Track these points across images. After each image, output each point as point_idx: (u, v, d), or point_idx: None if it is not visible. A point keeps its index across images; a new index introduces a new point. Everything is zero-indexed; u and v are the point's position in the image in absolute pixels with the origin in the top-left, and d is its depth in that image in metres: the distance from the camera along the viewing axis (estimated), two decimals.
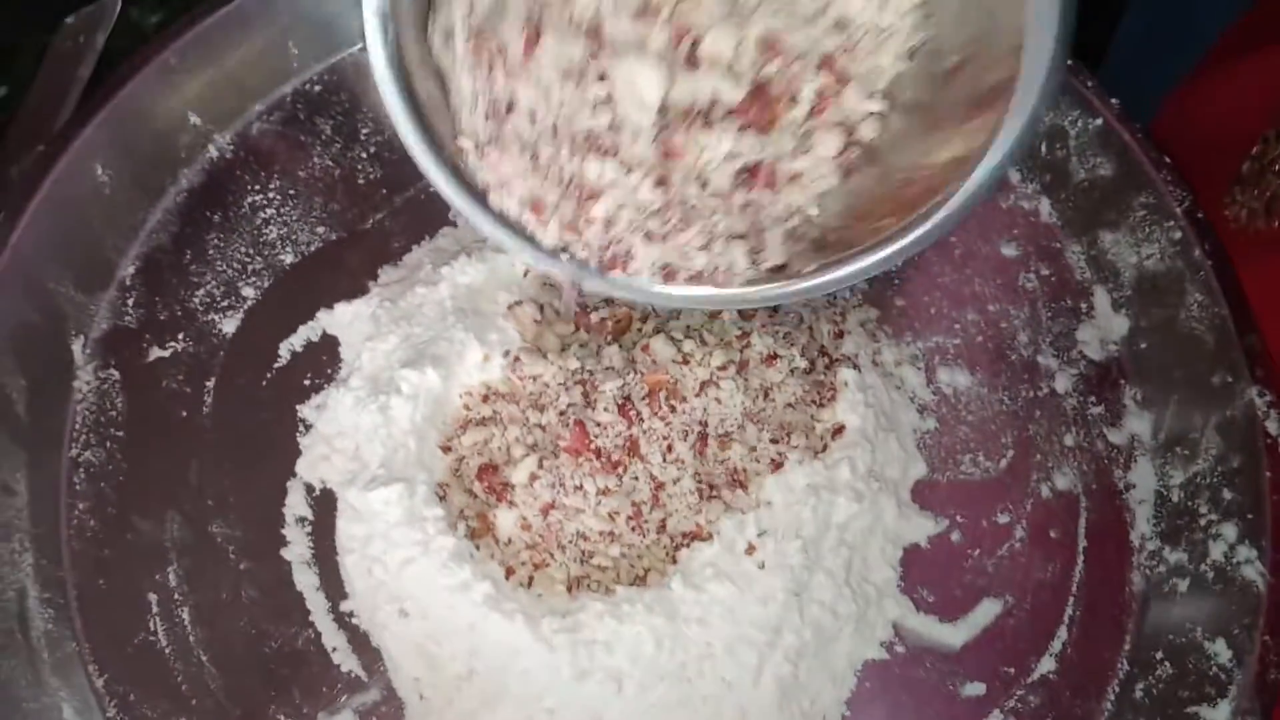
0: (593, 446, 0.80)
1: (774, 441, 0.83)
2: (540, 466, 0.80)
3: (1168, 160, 0.94)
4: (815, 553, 0.82)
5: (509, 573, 0.80)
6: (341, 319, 0.92)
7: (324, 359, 0.92)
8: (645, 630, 0.79)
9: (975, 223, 0.99)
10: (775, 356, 0.86)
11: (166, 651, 0.83)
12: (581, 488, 0.80)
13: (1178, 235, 0.92)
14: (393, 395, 0.84)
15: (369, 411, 0.84)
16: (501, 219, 0.69)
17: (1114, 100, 0.95)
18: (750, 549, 0.81)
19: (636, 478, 0.81)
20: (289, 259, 0.95)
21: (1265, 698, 0.79)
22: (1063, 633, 0.86)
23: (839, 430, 0.85)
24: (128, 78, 0.93)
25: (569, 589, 0.80)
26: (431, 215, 0.97)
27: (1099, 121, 0.96)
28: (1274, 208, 0.85)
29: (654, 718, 0.80)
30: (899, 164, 0.66)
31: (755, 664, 0.80)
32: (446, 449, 0.83)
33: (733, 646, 0.80)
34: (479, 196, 0.69)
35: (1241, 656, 0.81)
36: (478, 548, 0.81)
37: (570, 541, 0.80)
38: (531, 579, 0.81)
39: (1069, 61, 0.94)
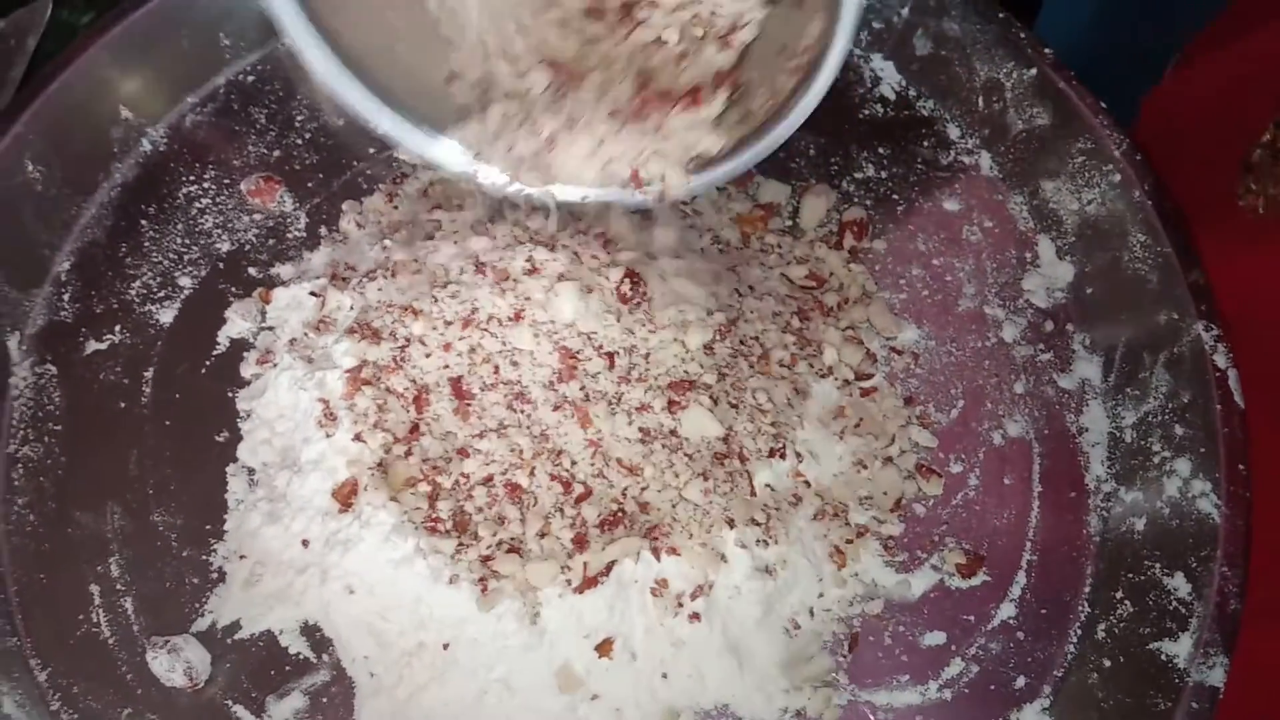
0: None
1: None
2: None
3: (1104, 105, 0.93)
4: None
5: (459, 548, 0.79)
6: (279, 303, 0.91)
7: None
8: (595, 595, 0.78)
9: (916, 180, 0.99)
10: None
11: (110, 643, 0.81)
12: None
13: (1117, 178, 0.92)
14: (328, 371, 0.83)
15: (306, 390, 0.83)
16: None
17: (1047, 50, 0.95)
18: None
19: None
20: (225, 247, 0.94)
21: (1226, 628, 0.78)
22: (1021, 578, 0.85)
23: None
24: (57, 73, 0.92)
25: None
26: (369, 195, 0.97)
27: (1033, 72, 0.96)
28: None
29: (609, 679, 0.78)
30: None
31: (706, 628, 0.79)
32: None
33: (684, 605, 0.78)
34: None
35: (1201, 589, 0.80)
36: (427, 524, 0.79)
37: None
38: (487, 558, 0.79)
39: (1001, 14, 0.96)
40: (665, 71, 0.74)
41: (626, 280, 0.80)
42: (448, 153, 0.75)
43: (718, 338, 0.82)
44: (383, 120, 0.73)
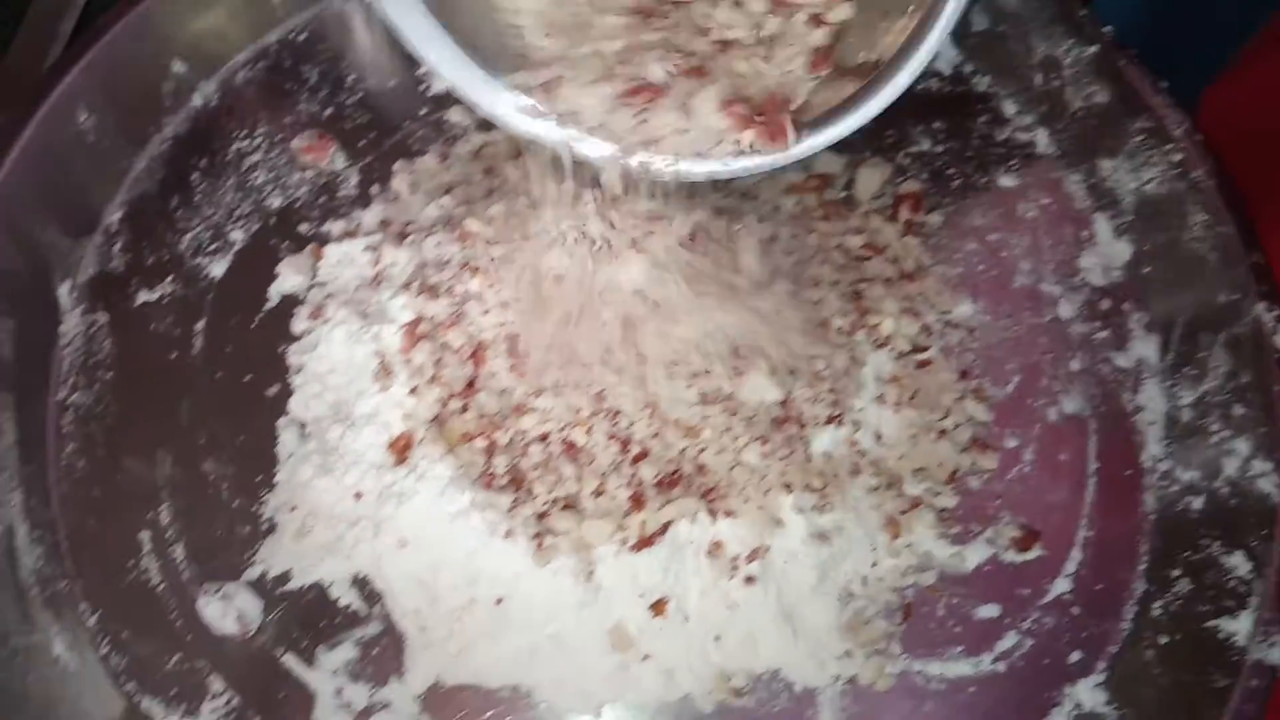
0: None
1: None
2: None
3: (1165, 85, 0.93)
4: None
5: (515, 504, 0.78)
6: (331, 259, 0.90)
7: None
8: (650, 555, 0.77)
9: (972, 155, 0.98)
10: None
11: (160, 589, 0.81)
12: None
13: (1178, 158, 0.91)
14: (384, 325, 0.82)
15: (361, 344, 0.83)
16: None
17: (1107, 28, 0.94)
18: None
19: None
20: (276, 203, 0.93)
21: None
22: (1076, 554, 0.84)
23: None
24: (109, 26, 0.92)
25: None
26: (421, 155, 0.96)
27: (1093, 49, 0.95)
28: None
29: (662, 640, 0.77)
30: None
31: (761, 592, 0.78)
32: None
33: (740, 568, 0.78)
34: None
35: (1261, 568, 0.79)
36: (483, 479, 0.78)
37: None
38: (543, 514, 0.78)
39: None
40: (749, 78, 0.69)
41: (693, 234, 0.79)
42: (508, 107, 0.68)
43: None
44: (443, 61, 0.66)
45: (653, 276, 0.79)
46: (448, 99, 0.99)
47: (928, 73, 0.97)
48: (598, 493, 0.78)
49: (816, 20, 0.71)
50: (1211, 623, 0.79)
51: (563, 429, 0.78)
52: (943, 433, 0.87)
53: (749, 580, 0.78)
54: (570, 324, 0.79)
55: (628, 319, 0.79)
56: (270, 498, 0.83)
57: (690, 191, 0.83)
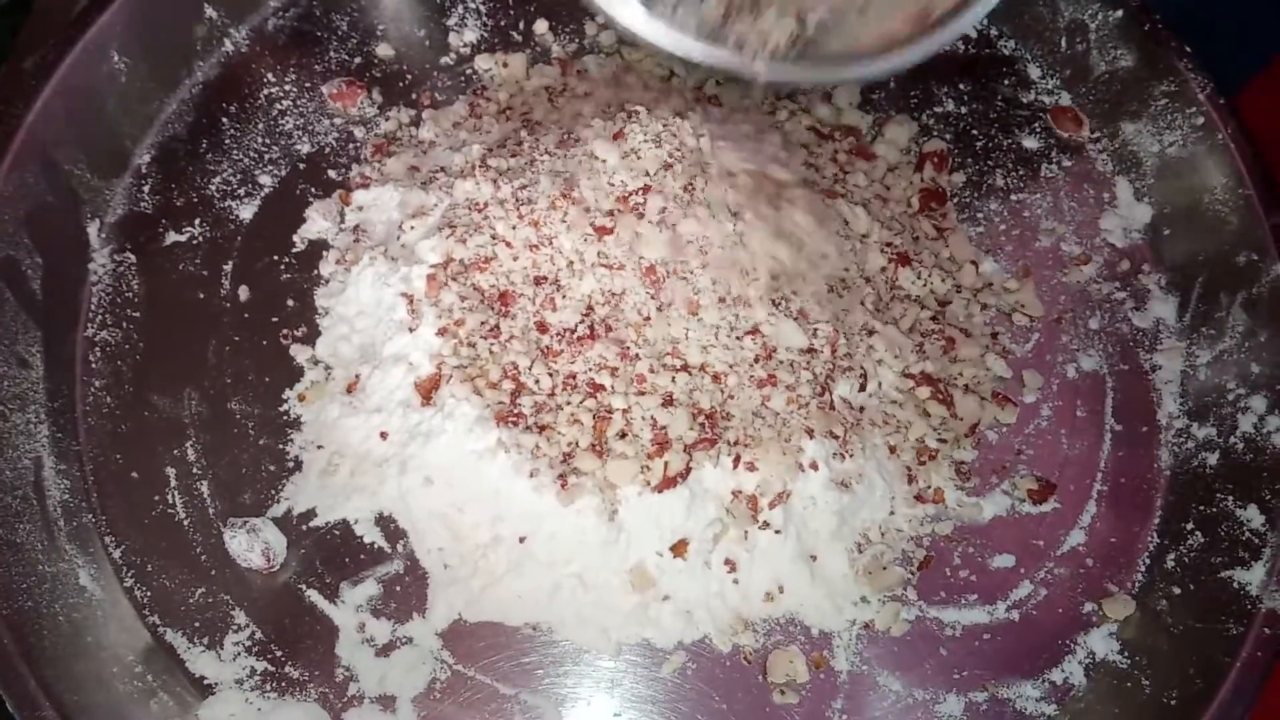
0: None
1: None
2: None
3: (1188, 49, 0.93)
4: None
5: (540, 444, 0.78)
6: (359, 203, 0.91)
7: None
8: (673, 496, 0.78)
9: (996, 117, 0.99)
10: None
11: (185, 524, 0.81)
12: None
13: (1200, 121, 0.92)
14: (414, 267, 0.83)
15: (390, 286, 0.83)
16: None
17: None
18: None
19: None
20: (305, 148, 0.94)
21: None
22: (1091, 507, 0.85)
23: None
24: None
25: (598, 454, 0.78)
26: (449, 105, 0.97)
27: (1119, 13, 0.96)
28: None
29: (682, 581, 0.78)
30: None
31: (780, 536, 0.79)
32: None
33: (761, 512, 0.79)
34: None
35: (1275, 520, 0.80)
36: (509, 420, 0.79)
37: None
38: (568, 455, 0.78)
39: None
40: None
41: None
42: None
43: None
44: None
45: (674, 246, 0.80)
46: (475, 49, 1.00)
47: None
48: (622, 434, 0.78)
49: None
50: (1225, 573, 0.80)
51: (589, 371, 0.79)
52: (963, 386, 0.87)
53: (769, 524, 0.79)
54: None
55: (651, 266, 0.80)
56: (296, 436, 0.84)
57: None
